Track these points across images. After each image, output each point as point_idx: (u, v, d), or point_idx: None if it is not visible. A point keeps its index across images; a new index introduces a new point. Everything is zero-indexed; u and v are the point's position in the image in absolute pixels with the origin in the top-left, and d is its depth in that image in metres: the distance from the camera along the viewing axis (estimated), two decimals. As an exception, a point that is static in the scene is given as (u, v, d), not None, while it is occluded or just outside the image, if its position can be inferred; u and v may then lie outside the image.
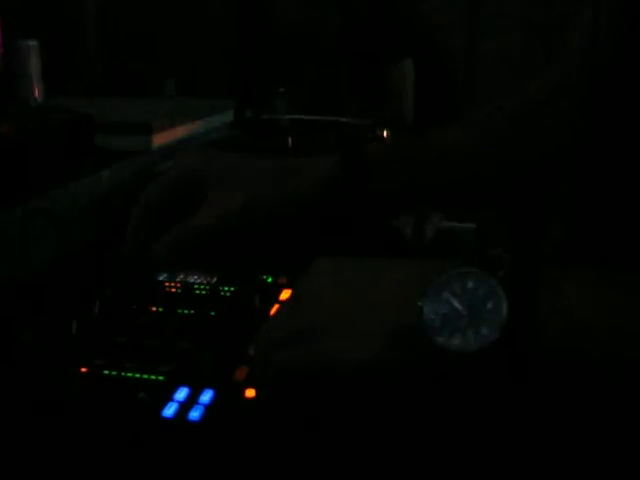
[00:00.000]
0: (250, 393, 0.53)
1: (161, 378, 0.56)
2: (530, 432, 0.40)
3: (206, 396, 0.53)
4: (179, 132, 1.29)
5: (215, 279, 0.76)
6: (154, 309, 0.69)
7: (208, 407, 0.52)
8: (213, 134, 1.40)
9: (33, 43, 1.37)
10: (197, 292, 0.73)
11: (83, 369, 0.58)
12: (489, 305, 0.37)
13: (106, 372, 0.57)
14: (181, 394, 0.53)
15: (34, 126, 0.87)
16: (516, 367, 0.37)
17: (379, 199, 0.57)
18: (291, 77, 2.36)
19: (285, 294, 0.72)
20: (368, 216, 0.58)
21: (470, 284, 0.38)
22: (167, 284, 0.75)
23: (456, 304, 0.38)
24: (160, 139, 1.22)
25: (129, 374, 0.57)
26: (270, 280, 0.76)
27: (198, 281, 0.76)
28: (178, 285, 0.75)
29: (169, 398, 0.53)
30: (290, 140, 1.18)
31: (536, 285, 0.38)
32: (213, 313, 0.68)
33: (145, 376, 0.56)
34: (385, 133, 1.19)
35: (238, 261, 0.68)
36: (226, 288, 0.74)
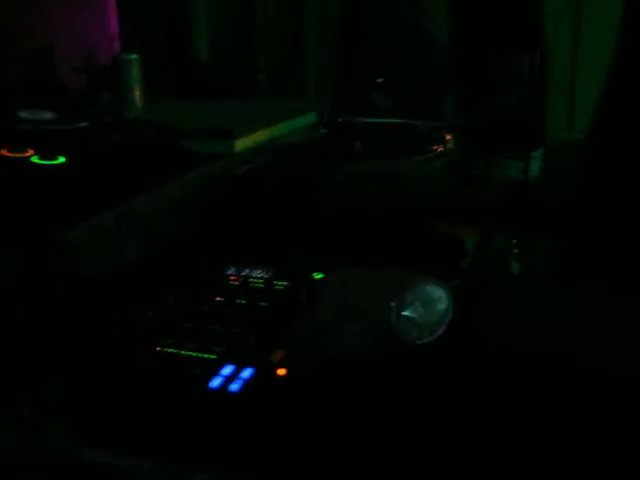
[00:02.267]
0: (281, 372, 0.65)
1: (213, 357, 0.68)
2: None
3: (246, 372, 0.65)
4: (260, 136, 1.41)
5: (271, 274, 0.88)
6: (217, 299, 0.81)
7: (246, 381, 0.64)
8: (293, 137, 1.52)
9: (134, 57, 1.53)
10: (253, 285, 0.85)
11: (157, 347, 0.71)
12: (440, 307, 0.48)
13: (171, 350, 0.70)
14: (227, 370, 0.66)
15: (126, 140, 1.01)
16: (458, 352, 0.48)
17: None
18: (391, 69, 2.44)
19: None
20: None
21: (428, 291, 0.49)
22: (231, 278, 0.88)
23: (417, 305, 0.49)
24: (242, 143, 1.34)
25: (189, 352, 0.69)
26: (320, 277, 0.88)
27: (257, 275, 0.88)
28: (240, 279, 0.87)
29: (217, 373, 0.65)
30: (358, 144, 1.28)
31: (478, 296, 0.48)
32: (265, 304, 0.80)
33: (201, 355, 0.69)
34: (448, 138, 1.27)
35: None
36: (280, 283, 0.86)
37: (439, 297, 0.49)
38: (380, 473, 0.56)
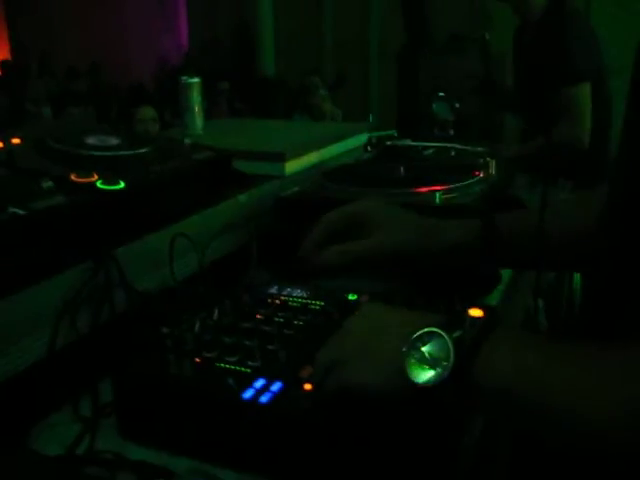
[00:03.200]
0: (308, 387, 0.72)
1: (248, 370, 0.76)
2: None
3: (276, 386, 0.73)
4: (310, 158, 1.49)
5: (308, 295, 0.95)
6: (257, 316, 0.89)
7: (276, 394, 0.72)
8: (343, 159, 1.59)
9: (196, 80, 1.63)
10: (291, 304, 0.92)
11: (197, 359, 0.79)
12: (443, 354, 0.56)
13: (211, 362, 0.78)
14: (259, 383, 0.73)
15: (182, 165, 1.10)
16: (458, 396, 0.56)
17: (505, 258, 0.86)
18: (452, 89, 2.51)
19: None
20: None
21: (434, 340, 0.57)
22: (272, 296, 0.96)
23: (425, 352, 0.57)
24: (292, 166, 1.43)
25: (227, 365, 0.77)
26: (354, 298, 0.95)
27: (296, 295, 0.95)
28: (279, 298, 0.95)
29: (250, 385, 0.73)
30: (402, 168, 1.34)
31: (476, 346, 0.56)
32: (300, 323, 0.87)
33: (237, 368, 0.77)
34: (492, 163, 1.32)
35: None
36: (316, 303, 0.93)
37: (443, 346, 0.57)
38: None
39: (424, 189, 1.20)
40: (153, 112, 3.21)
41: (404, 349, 0.59)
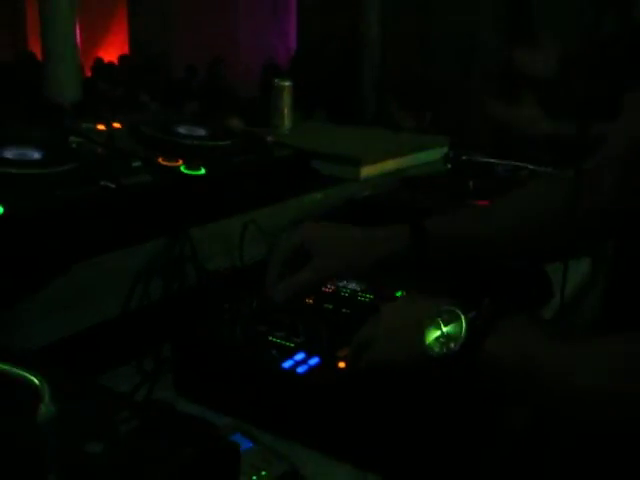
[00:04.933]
0: (342, 365, 0.79)
1: (292, 345, 0.84)
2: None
3: (314, 360, 0.80)
4: (387, 165, 1.56)
5: (361, 287, 1.02)
6: (310, 300, 0.97)
7: (312, 367, 0.79)
8: (419, 169, 1.66)
9: (287, 83, 1.73)
10: (342, 294, 1.00)
11: (249, 331, 0.88)
12: (458, 330, 0.62)
13: (262, 335, 0.87)
14: (299, 356, 0.81)
15: (259, 159, 1.20)
16: (468, 368, 0.62)
17: (440, 262, 0.90)
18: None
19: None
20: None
21: (453, 318, 0.64)
22: (328, 285, 1.03)
23: (443, 329, 0.64)
24: (368, 171, 1.50)
25: (274, 339, 0.86)
26: (400, 294, 1.01)
27: (349, 287, 1.03)
28: (334, 288, 1.02)
29: (291, 357, 0.81)
30: (471, 183, 1.40)
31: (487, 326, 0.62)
32: (347, 311, 0.95)
33: (284, 342, 0.85)
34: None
35: None
36: (365, 295, 1.00)
37: (458, 324, 0.64)
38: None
39: (484, 203, 1.25)
40: (238, 122, 3.38)
41: (424, 326, 0.66)
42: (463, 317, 0.65)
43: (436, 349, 0.66)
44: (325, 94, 6.34)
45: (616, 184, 0.85)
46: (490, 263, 1.04)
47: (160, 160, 1.09)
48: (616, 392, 0.58)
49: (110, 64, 9.23)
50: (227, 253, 1.14)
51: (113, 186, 0.96)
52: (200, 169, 1.08)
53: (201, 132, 1.22)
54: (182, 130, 1.21)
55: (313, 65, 7.87)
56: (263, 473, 0.72)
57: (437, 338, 0.66)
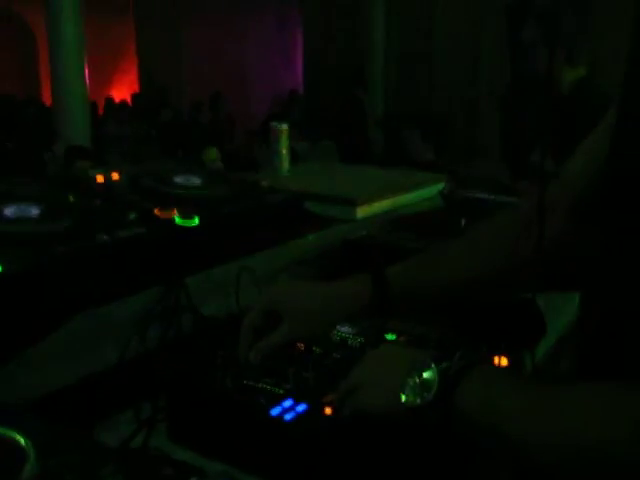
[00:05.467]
0: (328, 411, 0.82)
1: (281, 391, 0.87)
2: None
3: (301, 407, 0.83)
4: (382, 205, 1.59)
5: (352, 331, 1.05)
6: (300, 346, 1.00)
7: (300, 414, 0.82)
8: (418, 205, 1.68)
9: (284, 127, 1.78)
10: (333, 339, 1.02)
11: (240, 379, 0.91)
12: (431, 380, 0.65)
13: (252, 383, 0.89)
14: (287, 403, 0.84)
15: (254, 206, 1.23)
16: (441, 419, 0.65)
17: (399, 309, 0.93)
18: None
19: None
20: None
21: (428, 370, 0.66)
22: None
23: (418, 380, 0.67)
24: (364, 210, 1.53)
25: (264, 386, 0.88)
26: (392, 338, 1.04)
27: (339, 330, 1.05)
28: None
29: (278, 404, 0.83)
30: (463, 221, 1.42)
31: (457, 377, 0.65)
32: (338, 356, 0.97)
33: (273, 388, 0.87)
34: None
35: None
36: (356, 339, 1.03)
37: (430, 375, 0.67)
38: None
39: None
40: (216, 153, 3.43)
41: (402, 376, 0.69)
42: (436, 367, 0.68)
43: (411, 398, 0.68)
44: (332, 126, 6.42)
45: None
46: (477, 301, 1.06)
47: (156, 211, 1.12)
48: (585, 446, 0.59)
49: (122, 103, 9.38)
50: (223, 300, 1.17)
51: (108, 239, 1.00)
52: (194, 219, 1.11)
53: (197, 181, 1.26)
54: (179, 180, 1.25)
55: (320, 97, 7.99)
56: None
57: (413, 387, 0.69)
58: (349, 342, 1.02)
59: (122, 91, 11.19)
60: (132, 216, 1.08)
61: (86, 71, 4.86)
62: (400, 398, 0.69)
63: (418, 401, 0.68)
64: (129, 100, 10.01)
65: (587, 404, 0.60)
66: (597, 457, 0.58)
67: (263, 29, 10.25)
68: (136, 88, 11.33)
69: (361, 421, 0.77)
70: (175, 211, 1.13)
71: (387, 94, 7.63)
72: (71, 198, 1.12)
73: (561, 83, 2.32)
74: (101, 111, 8.79)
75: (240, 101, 9.24)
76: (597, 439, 0.58)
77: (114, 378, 0.99)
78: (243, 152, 6.02)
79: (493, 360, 0.96)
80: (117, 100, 9.76)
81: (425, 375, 0.69)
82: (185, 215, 1.11)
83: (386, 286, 0.92)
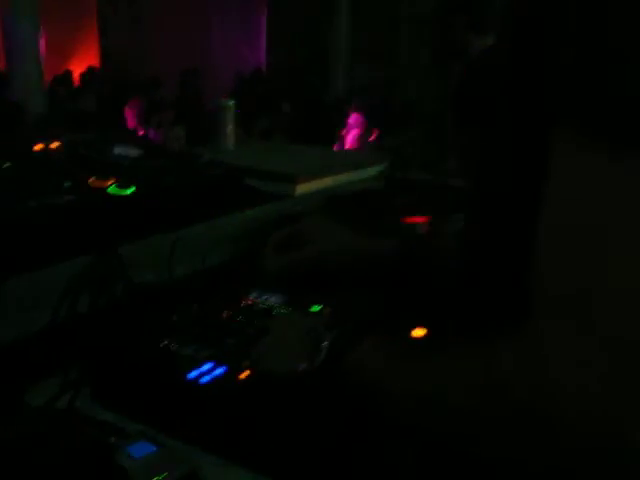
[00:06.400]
0: (243, 376, 0.85)
1: (201, 356, 0.90)
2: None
3: (220, 370, 0.86)
4: (322, 183, 1.63)
5: (279, 301, 1.08)
6: (226, 314, 1.03)
7: (215, 378, 0.85)
8: (356, 185, 1.72)
9: (230, 103, 1.79)
10: (257, 308, 1.06)
11: (163, 343, 0.93)
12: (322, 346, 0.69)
13: (174, 348, 0.92)
14: (206, 367, 0.87)
15: (191, 178, 1.25)
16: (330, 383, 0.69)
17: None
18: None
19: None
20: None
21: (321, 337, 0.71)
22: (247, 299, 1.09)
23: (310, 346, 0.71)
24: (303, 187, 1.56)
25: (186, 351, 0.91)
26: (317, 309, 1.07)
27: (266, 301, 1.08)
28: (252, 301, 1.08)
29: (197, 368, 0.87)
30: (401, 200, 1.47)
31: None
32: (261, 324, 1.00)
33: (195, 353, 0.90)
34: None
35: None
36: (281, 308, 1.06)
37: (323, 343, 0.71)
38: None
39: (409, 220, 1.33)
40: (181, 131, 3.46)
41: (297, 344, 0.73)
42: (327, 336, 0.72)
43: (305, 363, 0.73)
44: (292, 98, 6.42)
45: None
46: None
47: (91, 180, 1.14)
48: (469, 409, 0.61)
49: (67, 73, 9.19)
50: (157, 270, 1.20)
51: (38, 206, 1.02)
52: (128, 189, 1.13)
53: (136, 152, 1.28)
54: (118, 150, 1.27)
55: (282, 75, 7.99)
56: (165, 474, 0.77)
57: (306, 353, 0.73)
58: (274, 312, 1.05)
59: (81, 66, 11.00)
60: (66, 184, 1.10)
61: (42, 41, 4.80)
62: (295, 363, 0.74)
63: (311, 365, 0.72)
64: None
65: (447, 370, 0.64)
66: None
67: (228, 12, 10.17)
68: (97, 62, 11.16)
69: (268, 386, 0.80)
70: (110, 181, 1.14)
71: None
72: (6, 164, 1.13)
73: (468, 50, 2.34)
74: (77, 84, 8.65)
75: (204, 81, 9.17)
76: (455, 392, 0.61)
77: (45, 343, 1.01)
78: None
79: (412, 331, 1.01)
80: (76, 73, 9.61)
81: (317, 341, 0.73)
82: (120, 185, 1.13)
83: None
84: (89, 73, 9.42)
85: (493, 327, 0.58)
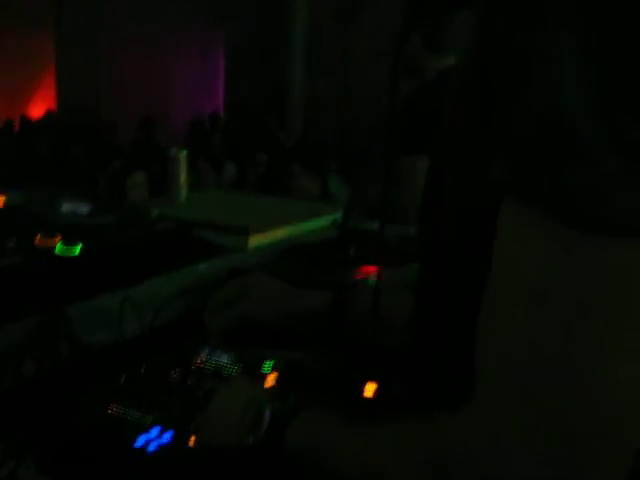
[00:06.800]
0: (191, 442, 0.84)
1: (148, 421, 0.88)
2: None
3: (167, 436, 0.84)
4: (276, 234, 1.63)
5: (230, 361, 1.07)
6: (174, 375, 1.01)
7: (163, 445, 0.83)
8: (311, 236, 1.72)
9: (183, 154, 1.79)
10: (208, 368, 1.04)
11: (109, 409, 0.91)
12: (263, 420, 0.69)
13: (120, 413, 0.90)
14: (154, 433, 0.85)
15: (142, 234, 1.24)
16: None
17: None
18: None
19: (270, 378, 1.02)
20: None
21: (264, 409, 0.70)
22: (197, 359, 1.07)
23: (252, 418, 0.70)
24: (256, 240, 1.56)
25: (133, 416, 0.89)
26: (269, 365, 1.06)
27: (216, 359, 1.07)
28: (201, 361, 1.07)
29: (144, 434, 0.85)
30: (353, 250, 1.47)
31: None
32: (211, 385, 0.99)
33: (141, 418, 0.89)
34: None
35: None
36: (232, 368, 1.05)
37: (264, 415, 0.71)
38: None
39: (361, 272, 1.33)
40: (142, 178, 3.45)
41: (237, 415, 0.73)
42: (268, 410, 0.72)
43: (245, 436, 0.72)
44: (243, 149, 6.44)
45: None
46: None
47: (37, 240, 1.12)
48: None
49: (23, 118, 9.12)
50: (107, 330, 1.17)
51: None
52: (75, 248, 1.12)
53: (84, 209, 1.27)
54: (66, 207, 1.26)
55: (237, 123, 8.03)
56: None
57: (246, 425, 0.73)
58: (224, 371, 1.04)
59: (40, 108, 10.93)
60: (11, 244, 1.08)
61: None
62: (235, 435, 0.73)
63: (250, 439, 0.71)
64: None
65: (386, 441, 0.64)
66: None
67: (186, 56, 10.22)
68: (53, 106, 11.09)
69: (213, 455, 0.79)
70: (57, 239, 1.13)
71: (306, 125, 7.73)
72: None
73: (424, 70, 2.26)
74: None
75: (161, 126, 9.15)
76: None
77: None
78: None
79: (364, 387, 1.00)
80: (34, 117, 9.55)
81: (258, 413, 0.72)
82: (67, 244, 1.12)
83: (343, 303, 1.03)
84: (46, 117, 9.37)
85: (438, 401, 0.58)
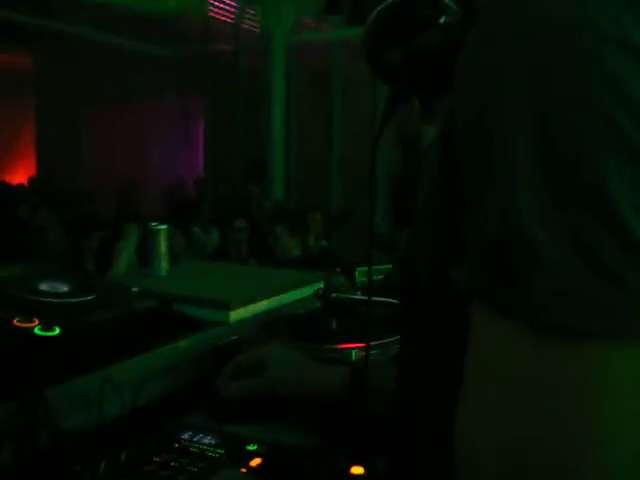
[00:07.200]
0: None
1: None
2: None
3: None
4: (258, 307, 1.61)
5: (213, 442, 1.05)
6: (157, 460, 0.99)
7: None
8: (294, 307, 1.71)
9: (163, 227, 1.79)
10: (192, 450, 1.02)
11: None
12: None
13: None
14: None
15: (122, 312, 1.23)
16: None
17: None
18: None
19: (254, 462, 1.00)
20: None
21: None
22: (180, 441, 1.05)
23: None
24: (238, 314, 1.54)
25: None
26: (253, 448, 1.04)
27: (201, 441, 1.05)
28: (184, 443, 1.04)
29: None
30: (334, 323, 1.46)
31: None
32: (195, 469, 0.97)
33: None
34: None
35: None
36: (216, 450, 1.02)
37: None
38: None
39: (343, 346, 1.32)
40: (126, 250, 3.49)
41: None
42: None
43: None
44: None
45: None
46: None
47: (15, 321, 1.10)
48: None
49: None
50: (87, 413, 1.15)
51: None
52: (54, 330, 1.10)
53: (63, 288, 1.25)
54: (44, 286, 1.24)
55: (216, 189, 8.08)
56: None
57: None
58: (208, 454, 1.02)
59: (20, 175, 10.94)
60: (-13, 328, 1.06)
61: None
62: None
63: None
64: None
65: None
66: None
67: (165, 125, 10.32)
68: (34, 173, 11.12)
69: None
70: (35, 321, 1.11)
71: (289, 190, 7.82)
72: None
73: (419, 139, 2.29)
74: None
75: (142, 191, 9.18)
76: None
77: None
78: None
79: (350, 469, 0.98)
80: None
81: None
82: (45, 325, 1.10)
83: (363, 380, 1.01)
84: (30, 184, 9.40)
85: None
